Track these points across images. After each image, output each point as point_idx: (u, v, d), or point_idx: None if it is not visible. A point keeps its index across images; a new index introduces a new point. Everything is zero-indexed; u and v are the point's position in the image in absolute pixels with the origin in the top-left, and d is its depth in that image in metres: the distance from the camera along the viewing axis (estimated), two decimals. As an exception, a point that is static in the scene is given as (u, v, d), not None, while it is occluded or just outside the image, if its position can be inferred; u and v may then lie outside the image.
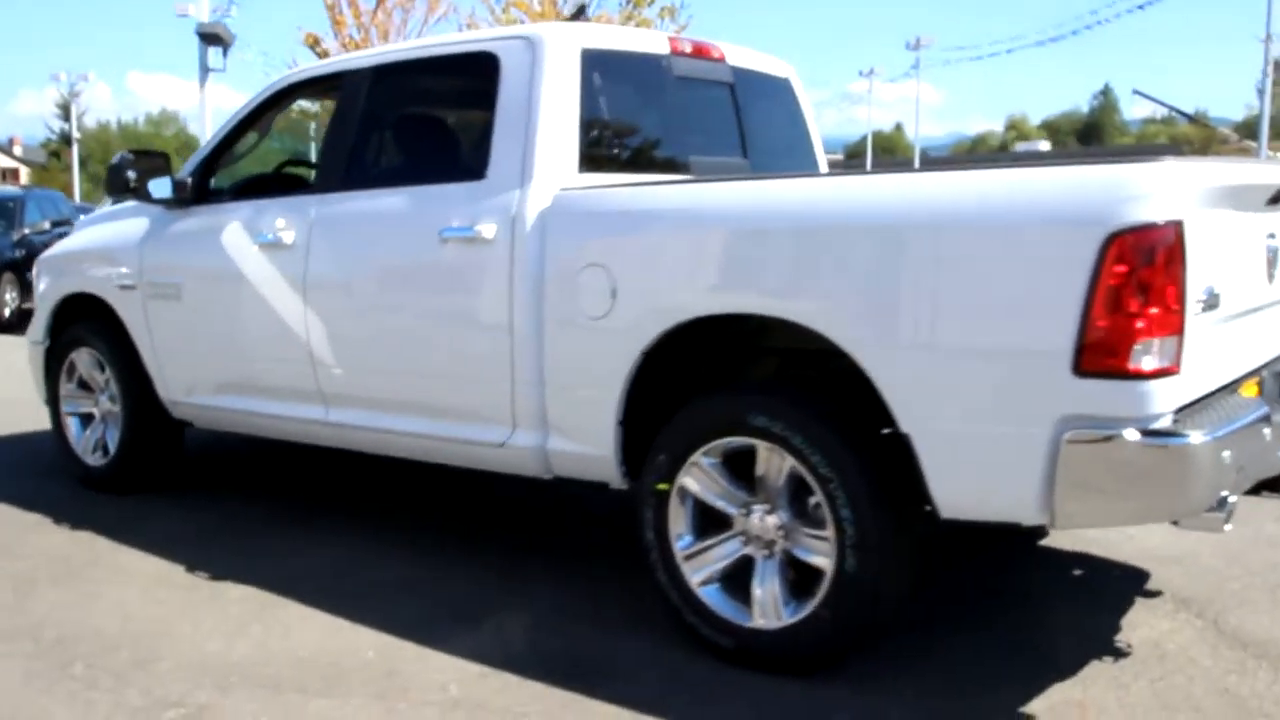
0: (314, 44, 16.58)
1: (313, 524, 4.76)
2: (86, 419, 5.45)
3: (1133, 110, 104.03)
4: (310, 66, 4.70)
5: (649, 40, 4.06)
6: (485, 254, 3.72)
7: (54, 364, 5.49)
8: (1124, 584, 4.12)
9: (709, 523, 3.42)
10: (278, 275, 4.36)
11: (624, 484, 3.64)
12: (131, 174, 4.68)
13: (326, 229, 4.23)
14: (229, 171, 5.00)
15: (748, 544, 3.33)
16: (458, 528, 4.77)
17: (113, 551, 4.41)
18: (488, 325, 3.74)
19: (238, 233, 4.53)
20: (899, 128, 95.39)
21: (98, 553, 4.39)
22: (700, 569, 3.39)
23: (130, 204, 5.48)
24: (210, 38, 17.27)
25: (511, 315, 3.67)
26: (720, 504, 3.36)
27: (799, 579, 3.26)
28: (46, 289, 5.52)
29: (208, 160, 4.84)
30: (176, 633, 3.58)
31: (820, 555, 3.16)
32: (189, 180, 4.79)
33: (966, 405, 2.88)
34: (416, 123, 4.42)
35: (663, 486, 3.41)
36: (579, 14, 4.02)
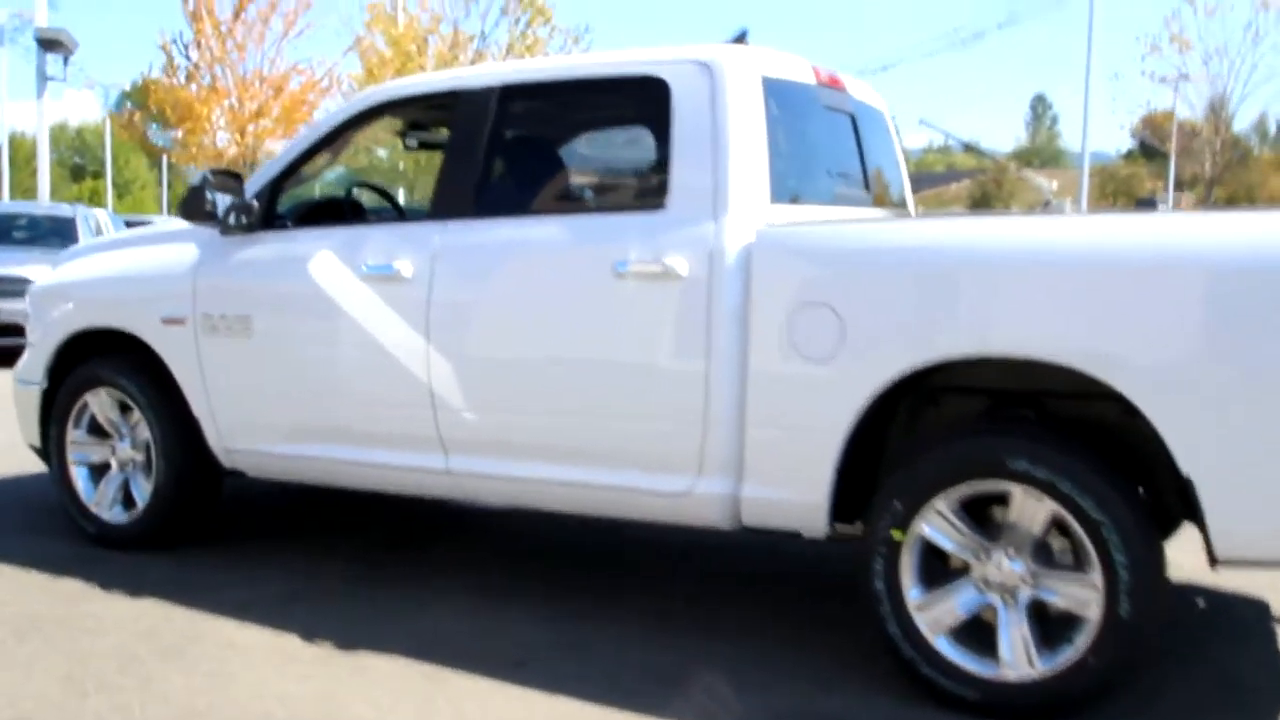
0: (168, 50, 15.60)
1: (401, 579, 4.37)
2: (99, 469, 4.87)
3: (909, 140, 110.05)
4: (409, 81, 4.33)
5: (800, 68, 3.93)
6: (675, 289, 3.51)
7: (56, 408, 4.88)
8: (1251, 613, 4.23)
9: (936, 571, 3.32)
10: (388, 309, 4.00)
11: (826, 532, 3.49)
12: (212, 196, 4.21)
13: (457, 259, 3.90)
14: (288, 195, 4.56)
15: (985, 591, 3.24)
16: (566, 579, 4.47)
17: (197, 621, 3.91)
18: (676, 365, 3.53)
19: (330, 262, 4.13)
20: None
21: (181, 623, 3.89)
22: (934, 619, 3.28)
23: (154, 228, 4.98)
24: (50, 43, 15.96)
25: (708, 354, 3.47)
26: (957, 551, 3.26)
27: (1042, 625, 3.19)
28: (50, 324, 4.90)
29: (276, 182, 4.41)
30: (358, 713, 3.20)
31: (1080, 600, 3.09)
32: (254, 204, 4.35)
33: (1257, 448, 2.88)
34: (568, 147, 4.13)
35: (897, 535, 3.28)
36: (741, 39, 3.84)
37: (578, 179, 4.06)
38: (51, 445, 4.92)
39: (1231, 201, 40.86)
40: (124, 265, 4.74)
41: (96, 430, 4.88)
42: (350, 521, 5.32)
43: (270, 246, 4.35)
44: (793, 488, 3.44)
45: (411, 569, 4.52)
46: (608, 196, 3.97)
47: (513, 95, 3.98)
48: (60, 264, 5.15)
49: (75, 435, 4.88)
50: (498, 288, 3.84)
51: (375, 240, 4.12)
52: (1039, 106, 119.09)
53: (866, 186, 4.37)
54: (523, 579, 4.41)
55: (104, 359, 4.78)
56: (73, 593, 4.20)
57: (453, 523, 5.32)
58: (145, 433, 4.68)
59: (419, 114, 4.67)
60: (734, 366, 3.45)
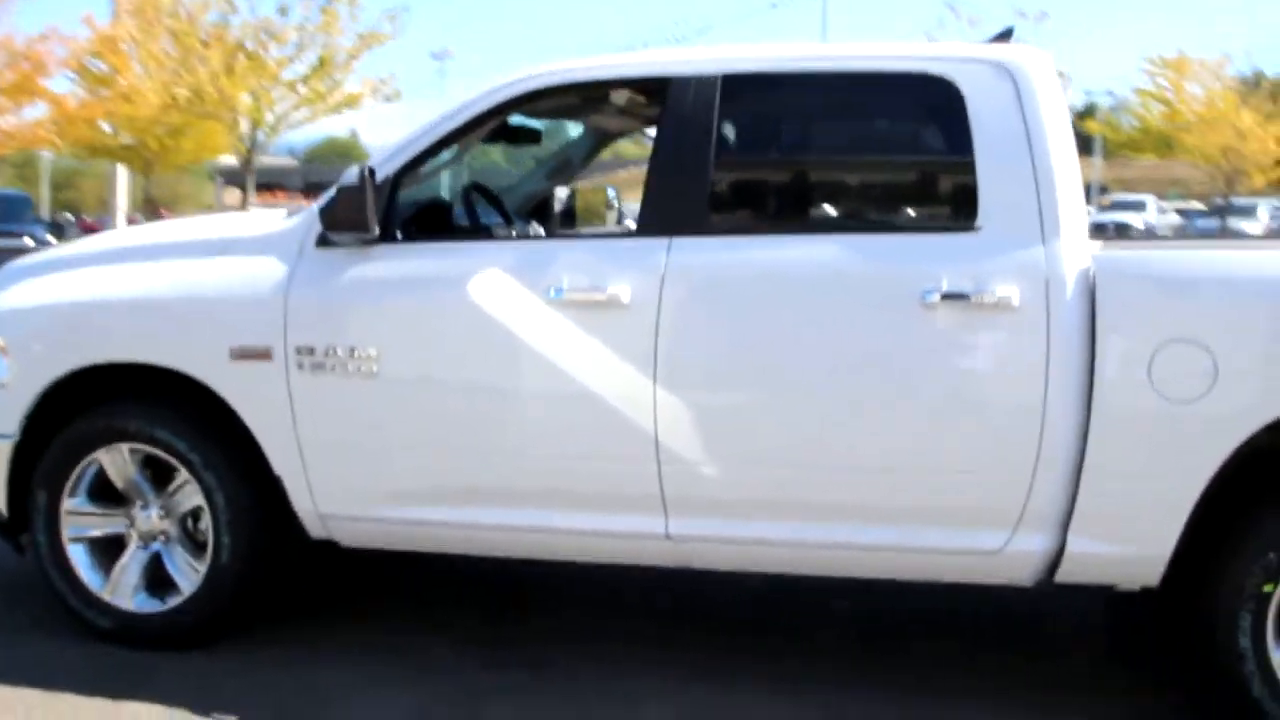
0: None
1: (564, 664, 3.62)
2: (105, 545, 3.74)
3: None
4: (582, 64, 3.55)
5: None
6: (1004, 322, 3.07)
7: (44, 468, 3.69)
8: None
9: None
10: (595, 342, 3.28)
11: (1149, 586, 3.19)
12: (375, 199, 3.28)
13: (697, 283, 3.24)
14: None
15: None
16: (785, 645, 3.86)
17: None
18: (1003, 408, 3.09)
19: (500, 283, 3.34)
20: (354, 134, 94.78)
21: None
22: (1296, 676, 3.06)
23: (181, 229, 3.92)
24: None
25: (1044, 396, 3.06)
26: (1321, 601, 3.06)
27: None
28: (30, 357, 3.69)
29: (395, 180, 3.52)
30: None
31: None
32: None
33: None
34: (820, 153, 3.50)
35: (1269, 587, 3.02)
36: (1006, 37, 3.43)
37: (847, 191, 3.49)
38: (36, 516, 3.72)
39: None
40: (160, 280, 3.63)
41: (102, 496, 3.75)
42: (414, 584, 4.41)
43: (402, 262, 3.47)
44: (1133, 541, 3.11)
45: (559, 647, 3.77)
46: (892, 213, 3.43)
47: (742, 87, 3.36)
48: (29, 276, 3.90)
49: (73, 503, 3.72)
50: (755, 318, 3.22)
51: (563, 258, 3.37)
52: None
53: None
54: (735, 652, 3.77)
55: (126, 404, 3.67)
56: (166, 723, 3.16)
57: (561, 580, 4.47)
58: (192, 498, 3.63)
59: (591, 103, 3.90)
60: (1074, 410, 3.06)
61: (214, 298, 3.56)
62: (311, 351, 3.46)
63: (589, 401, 3.29)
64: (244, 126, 13.20)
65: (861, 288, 3.18)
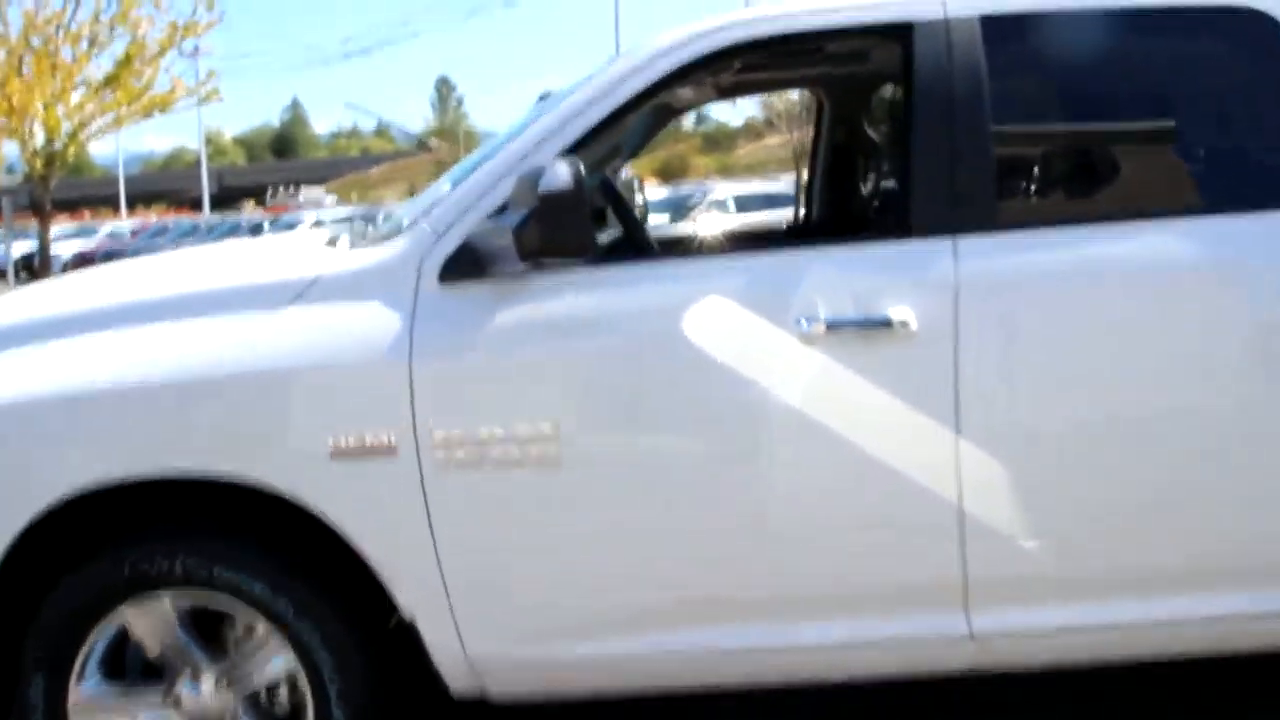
0: None
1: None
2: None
3: (322, 124, 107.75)
4: (785, 11, 2.62)
5: None
6: None
7: (39, 643, 2.50)
8: None
9: None
10: (871, 390, 2.41)
11: None
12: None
13: (1006, 298, 2.42)
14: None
15: None
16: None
17: None
18: None
19: (726, 315, 2.41)
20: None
21: None
22: None
23: (242, 276, 2.80)
24: None
25: None
26: None
27: None
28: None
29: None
30: None
31: None
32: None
33: None
34: (1115, 111, 2.65)
35: None
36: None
37: (1171, 162, 2.69)
38: (31, 714, 2.52)
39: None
40: (204, 350, 2.47)
41: (119, 671, 2.59)
42: None
43: (574, 297, 2.47)
44: None
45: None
46: (1228, 186, 2.66)
47: (1009, 30, 2.55)
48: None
49: (84, 690, 2.54)
50: (1088, 338, 2.43)
51: (810, 276, 2.47)
52: (443, 88, 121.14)
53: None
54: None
55: (164, 538, 2.52)
56: None
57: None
58: (273, 662, 2.53)
59: (790, 59, 2.95)
60: None
61: (295, 369, 2.45)
62: (456, 439, 2.42)
63: (865, 468, 2.42)
64: (39, 139, 11.19)
65: (1216, 288, 2.44)
